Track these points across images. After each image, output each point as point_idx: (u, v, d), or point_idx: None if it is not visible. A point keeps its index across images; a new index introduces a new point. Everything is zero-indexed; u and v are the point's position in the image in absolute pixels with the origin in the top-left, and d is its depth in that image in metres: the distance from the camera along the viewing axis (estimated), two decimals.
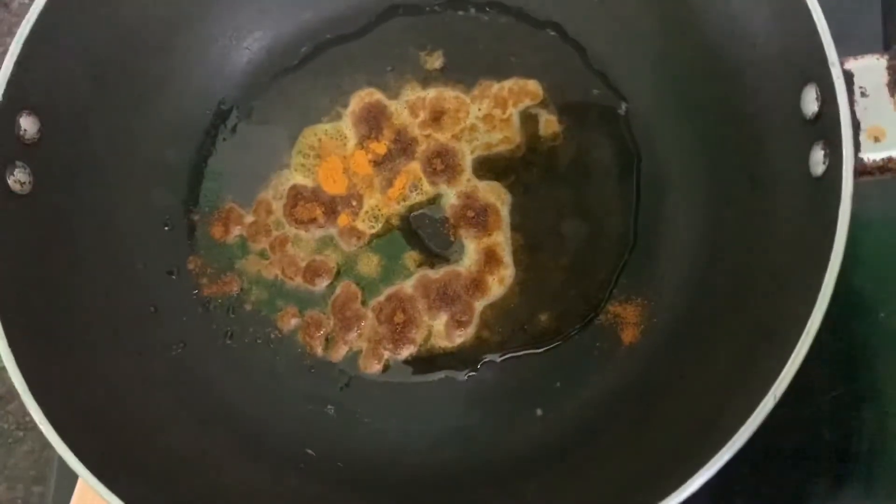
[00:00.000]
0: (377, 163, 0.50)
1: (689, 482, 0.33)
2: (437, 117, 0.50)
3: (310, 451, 0.45)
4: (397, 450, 0.46)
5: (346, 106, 0.52)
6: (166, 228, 0.50)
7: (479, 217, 0.49)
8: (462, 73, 0.51)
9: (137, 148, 0.49)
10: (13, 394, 0.37)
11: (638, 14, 0.48)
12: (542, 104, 0.50)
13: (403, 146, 0.50)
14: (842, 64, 0.35)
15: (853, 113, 0.35)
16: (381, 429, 0.46)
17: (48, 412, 0.36)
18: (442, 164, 0.50)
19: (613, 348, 0.46)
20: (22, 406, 0.37)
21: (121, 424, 0.41)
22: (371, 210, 0.50)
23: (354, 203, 0.50)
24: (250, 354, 0.48)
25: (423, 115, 0.51)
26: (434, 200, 0.50)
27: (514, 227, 0.48)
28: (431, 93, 0.51)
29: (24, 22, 0.42)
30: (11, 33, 0.42)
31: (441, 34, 0.52)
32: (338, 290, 0.49)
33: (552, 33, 0.51)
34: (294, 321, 0.49)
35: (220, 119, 0.52)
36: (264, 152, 0.51)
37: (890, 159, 0.35)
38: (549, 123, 0.50)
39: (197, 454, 0.43)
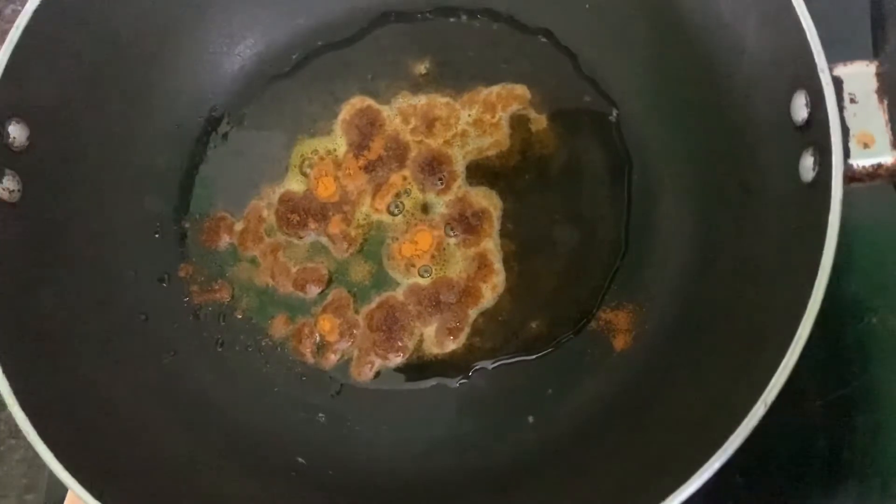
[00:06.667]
0: (369, 169, 0.50)
1: (680, 489, 0.33)
2: (428, 124, 0.50)
3: (301, 459, 0.45)
4: (389, 457, 0.45)
5: (337, 113, 0.52)
6: (157, 236, 0.50)
7: (470, 223, 0.49)
8: (453, 79, 0.51)
9: (128, 155, 0.49)
10: (3, 403, 0.37)
11: (628, 21, 0.49)
12: (531, 106, 0.50)
13: (395, 153, 0.50)
14: (831, 70, 0.35)
15: (843, 119, 0.35)
16: (372, 436, 0.46)
17: (36, 421, 0.36)
18: (434, 170, 0.50)
19: (605, 355, 0.46)
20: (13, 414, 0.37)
21: (110, 433, 0.41)
22: (363, 217, 0.50)
23: (346, 209, 0.50)
24: (241, 362, 0.48)
25: (414, 122, 0.51)
26: (426, 207, 0.49)
27: (506, 234, 0.48)
28: (423, 99, 0.51)
29: (13, 28, 0.42)
30: (2, 40, 0.42)
31: (433, 41, 0.52)
32: (329, 298, 0.49)
33: (543, 40, 0.51)
34: (285, 329, 0.48)
35: (212, 126, 0.52)
36: (256, 159, 0.51)
37: (879, 165, 0.35)
38: (538, 123, 0.50)
39: (187, 463, 0.43)
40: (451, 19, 0.52)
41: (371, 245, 0.49)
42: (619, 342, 0.46)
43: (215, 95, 0.52)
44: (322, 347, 0.48)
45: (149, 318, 0.47)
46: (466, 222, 0.49)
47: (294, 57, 0.53)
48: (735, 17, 0.41)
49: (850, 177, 0.35)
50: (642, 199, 0.48)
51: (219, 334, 0.49)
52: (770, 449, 0.46)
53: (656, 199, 0.48)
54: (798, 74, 0.36)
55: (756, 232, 0.40)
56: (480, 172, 0.50)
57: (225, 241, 0.50)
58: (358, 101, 0.52)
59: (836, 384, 0.47)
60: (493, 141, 0.50)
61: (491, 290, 0.48)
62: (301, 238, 0.50)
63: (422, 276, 0.48)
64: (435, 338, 0.47)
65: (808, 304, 0.33)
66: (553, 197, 0.49)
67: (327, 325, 0.48)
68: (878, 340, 0.48)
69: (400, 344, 0.47)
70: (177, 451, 0.43)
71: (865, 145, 0.35)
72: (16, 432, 0.55)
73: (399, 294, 0.48)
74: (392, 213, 0.50)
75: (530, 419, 0.45)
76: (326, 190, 0.50)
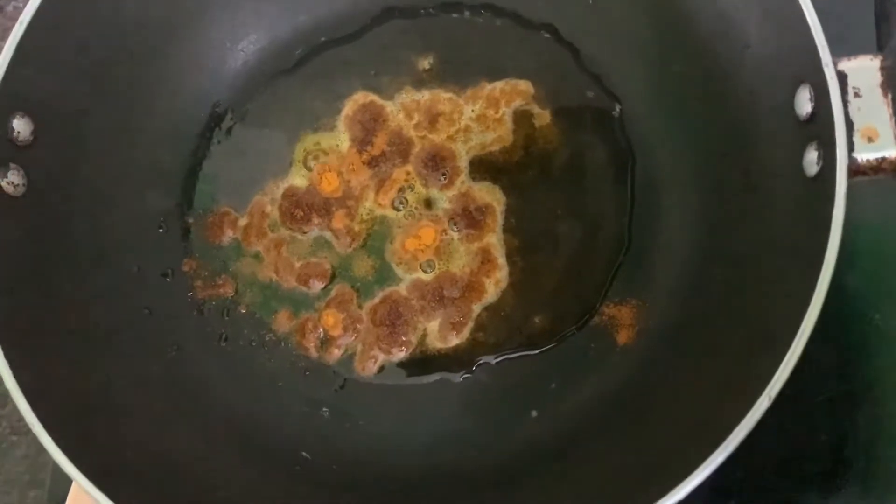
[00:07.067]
0: (372, 165, 0.50)
1: (683, 483, 0.33)
2: (432, 119, 0.51)
3: (305, 454, 0.45)
4: (392, 452, 0.45)
5: (341, 108, 0.52)
6: (161, 231, 0.50)
7: (474, 218, 0.49)
8: (456, 75, 0.51)
9: (132, 150, 0.49)
10: (7, 398, 0.37)
11: (631, 16, 0.49)
12: (534, 102, 0.50)
13: (399, 148, 0.50)
14: (835, 64, 0.35)
15: (847, 113, 0.35)
16: (375, 431, 0.46)
17: (41, 416, 0.36)
18: (437, 165, 0.50)
19: (608, 350, 0.46)
20: (16, 410, 0.37)
21: (114, 427, 0.41)
22: (366, 212, 0.50)
23: (349, 205, 0.50)
24: (245, 357, 0.48)
25: (417, 117, 0.51)
26: (429, 202, 0.50)
27: (509, 229, 0.49)
28: (426, 95, 0.51)
29: (17, 24, 0.42)
30: (6, 36, 0.42)
31: (436, 37, 0.52)
32: (333, 293, 0.49)
33: (546, 35, 0.51)
34: (289, 323, 0.48)
35: (215, 122, 0.52)
36: (259, 155, 0.51)
37: (883, 159, 0.35)
38: (541, 118, 0.50)
39: (191, 457, 0.43)
40: (455, 15, 0.52)
41: (374, 240, 0.49)
42: (623, 337, 0.46)
43: (218, 91, 0.52)
44: (326, 342, 0.48)
45: (153, 312, 0.47)
46: (470, 217, 0.49)
47: (297, 53, 0.53)
48: (739, 11, 0.41)
49: (854, 171, 0.35)
50: (645, 194, 0.48)
51: (222, 329, 0.49)
52: (772, 445, 0.46)
53: (659, 194, 0.48)
54: (802, 69, 0.36)
55: (760, 226, 0.40)
56: (484, 168, 0.50)
57: (228, 236, 0.50)
58: (361, 97, 0.52)
59: (838, 381, 0.47)
60: (497, 136, 0.50)
61: (494, 285, 0.48)
62: (304, 233, 0.50)
63: (425, 272, 0.48)
64: (438, 332, 0.47)
65: (813, 298, 0.33)
66: (556, 192, 0.49)
67: (331, 319, 0.48)
68: (881, 337, 0.48)
69: (403, 339, 0.47)
70: (180, 445, 0.43)
71: (869, 139, 0.35)
72: (18, 428, 0.55)
73: (402, 289, 0.48)
74: (395, 209, 0.50)
75: (534, 414, 0.45)
76: (330, 185, 0.50)
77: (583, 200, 0.49)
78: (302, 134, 0.51)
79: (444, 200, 0.49)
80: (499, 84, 0.51)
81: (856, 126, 0.35)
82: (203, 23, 0.51)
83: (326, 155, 0.51)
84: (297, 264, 0.49)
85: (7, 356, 0.37)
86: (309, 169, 0.51)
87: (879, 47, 0.38)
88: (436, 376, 0.47)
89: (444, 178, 0.50)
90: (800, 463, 0.47)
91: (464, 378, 0.47)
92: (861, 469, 0.46)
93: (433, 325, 0.48)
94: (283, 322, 0.49)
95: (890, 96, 0.36)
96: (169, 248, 0.50)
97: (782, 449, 0.47)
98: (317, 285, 0.49)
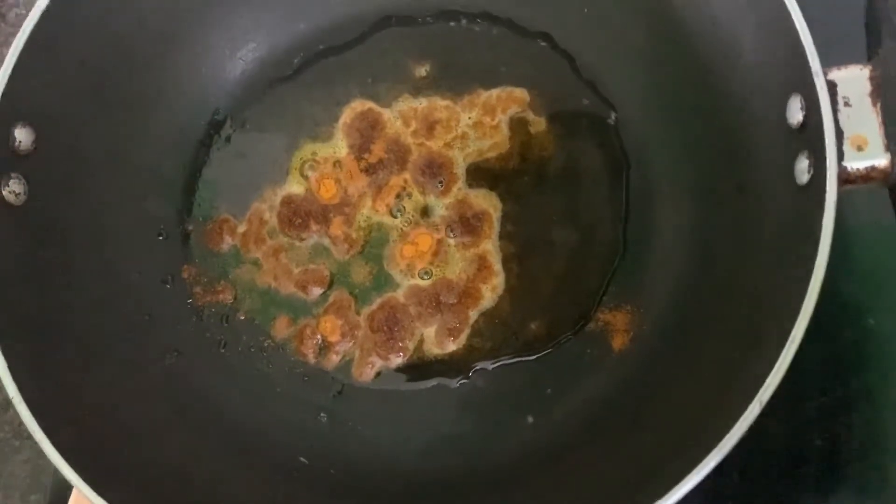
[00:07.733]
0: (370, 172, 0.51)
1: (676, 487, 0.33)
2: (429, 126, 0.51)
3: (303, 459, 0.45)
4: (390, 457, 0.46)
5: (339, 116, 0.52)
6: (161, 238, 0.50)
7: (470, 225, 0.49)
8: (453, 82, 0.52)
9: (132, 158, 0.49)
10: (9, 403, 0.38)
11: (626, 25, 0.49)
12: (530, 109, 0.51)
13: (396, 155, 0.51)
14: (825, 74, 0.36)
15: (837, 122, 0.36)
16: (373, 436, 0.46)
17: (42, 420, 0.37)
18: (434, 172, 0.50)
19: (604, 355, 0.46)
20: (18, 415, 0.37)
21: (115, 433, 0.41)
22: (364, 219, 0.50)
23: (347, 212, 0.50)
24: (244, 362, 0.48)
25: (415, 125, 0.51)
26: (426, 209, 0.50)
27: (505, 236, 0.49)
28: (423, 102, 0.52)
29: (19, 33, 0.42)
30: (7, 44, 0.42)
31: (433, 45, 0.53)
32: (331, 299, 0.49)
33: (542, 43, 0.52)
34: (287, 329, 0.49)
35: (215, 129, 0.53)
36: (258, 162, 0.52)
37: (873, 168, 0.36)
38: (537, 125, 0.50)
39: (190, 462, 0.43)
40: (452, 23, 0.53)
41: (372, 247, 0.50)
42: (618, 343, 0.46)
43: (218, 99, 0.53)
44: (324, 348, 0.48)
45: (152, 318, 0.48)
46: (466, 224, 0.49)
47: (296, 61, 0.53)
48: (732, 22, 0.42)
49: (844, 179, 0.35)
50: (640, 200, 0.48)
51: (221, 335, 0.49)
52: (768, 449, 0.47)
53: (654, 201, 0.48)
54: (793, 78, 0.37)
55: (752, 233, 0.41)
56: (480, 175, 0.50)
57: (227, 242, 0.51)
58: (359, 104, 0.52)
59: (833, 385, 0.48)
60: (493, 143, 0.50)
61: (491, 292, 0.48)
62: (303, 240, 0.50)
63: (422, 278, 0.49)
64: (435, 338, 0.48)
65: (803, 305, 0.34)
66: (552, 199, 0.49)
67: (329, 325, 0.48)
68: (874, 342, 0.48)
69: (401, 345, 0.48)
70: (179, 451, 0.43)
71: (859, 148, 0.36)
72: (20, 433, 0.55)
73: (400, 295, 0.49)
74: (393, 216, 0.50)
75: (530, 419, 0.45)
76: (328, 192, 0.51)
77: (578, 207, 0.49)
78: (300, 141, 0.52)
79: (441, 207, 0.50)
80: (495, 91, 0.51)
81: (846, 135, 0.36)
82: (202, 31, 0.52)
83: (324, 162, 0.51)
84: (296, 271, 0.50)
85: (8, 362, 0.38)
86: (307, 176, 0.51)
87: (869, 56, 0.38)
88: (433, 382, 0.47)
89: (441, 185, 0.50)
90: (795, 467, 0.47)
91: (460, 384, 0.47)
92: (856, 473, 0.46)
93: (430, 331, 0.48)
94: (281, 328, 0.49)
95: (879, 105, 0.36)
96: (169, 254, 0.50)
97: (777, 453, 0.47)
98: (315, 291, 0.49)
